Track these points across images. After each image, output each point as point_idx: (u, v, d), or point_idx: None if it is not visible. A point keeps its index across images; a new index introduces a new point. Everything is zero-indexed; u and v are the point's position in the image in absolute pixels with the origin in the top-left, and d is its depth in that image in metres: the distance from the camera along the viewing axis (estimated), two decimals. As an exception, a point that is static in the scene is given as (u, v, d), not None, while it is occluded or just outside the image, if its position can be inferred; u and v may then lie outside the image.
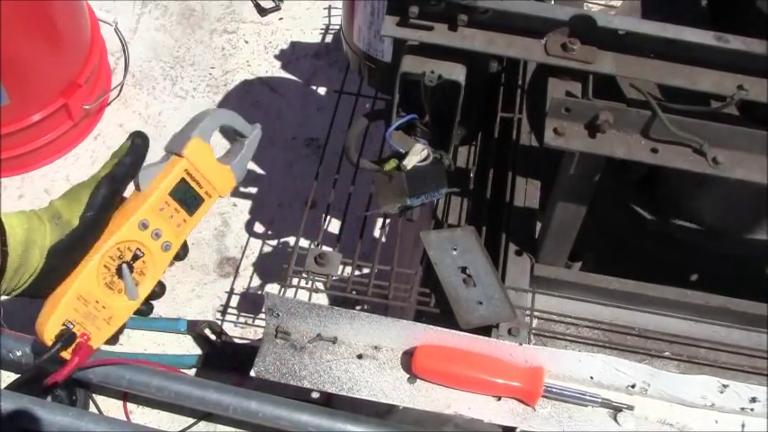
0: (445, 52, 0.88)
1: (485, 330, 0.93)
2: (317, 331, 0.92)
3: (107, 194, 0.75)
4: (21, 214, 0.74)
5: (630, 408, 0.88)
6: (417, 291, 1.00)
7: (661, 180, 1.05)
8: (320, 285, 1.04)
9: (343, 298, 1.09)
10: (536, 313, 0.98)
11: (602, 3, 1.41)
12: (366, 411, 1.17)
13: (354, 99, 1.32)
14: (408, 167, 0.93)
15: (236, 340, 1.61)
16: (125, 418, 1.46)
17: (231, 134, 0.81)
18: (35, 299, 0.76)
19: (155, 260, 0.77)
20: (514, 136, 1.15)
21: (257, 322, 1.67)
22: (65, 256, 0.75)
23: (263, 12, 2.29)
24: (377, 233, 1.72)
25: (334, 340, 0.92)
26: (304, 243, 1.05)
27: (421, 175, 0.94)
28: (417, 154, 0.93)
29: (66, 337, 0.72)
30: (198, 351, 1.58)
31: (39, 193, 1.81)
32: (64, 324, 0.72)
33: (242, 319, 1.66)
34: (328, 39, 2.19)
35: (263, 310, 0.92)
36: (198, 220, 0.79)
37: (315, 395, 1.37)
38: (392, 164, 0.95)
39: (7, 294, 0.75)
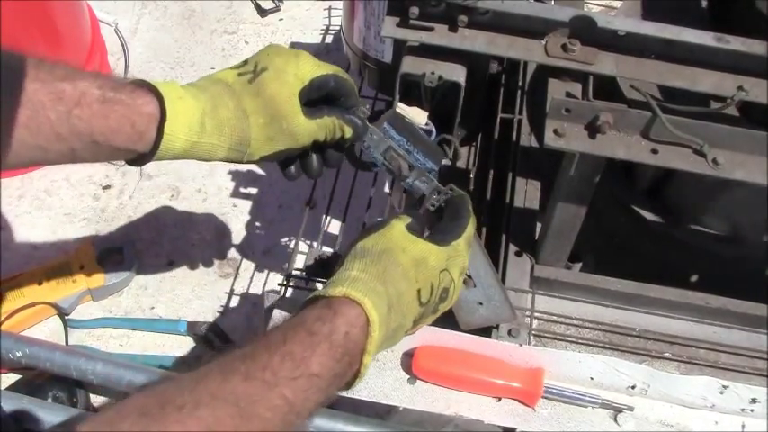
0: (445, 53, 0.88)
1: (485, 331, 0.93)
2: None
3: None
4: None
5: (630, 408, 0.88)
6: (417, 291, 1.00)
7: (669, 188, 1.05)
8: (320, 286, 1.04)
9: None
10: (536, 314, 0.98)
11: (603, 3, 1.41)
12: (366, 412, 1.17)
13: (354, 100, 1.32)
14: (400, 107, 0.91)
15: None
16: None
17: None
18: None
19: None
20: (514, 137, 1.15)
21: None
22: None
23: (263, 12, 2.29)
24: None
25: (334, 341, 0.92)
26: (304, 244, 1.05)
27: (415, 132, 0.89)
28: (416, 112, 0.91)
29: None
30: (198, 352, 1.58)
31: (39, 194, 1.81)
32: None
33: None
34: (328, 39, 2.19)
35: (264, 310, 0.92)
36: None
37: (315, 396, 1.36)
38: None
39: None
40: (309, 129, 0.78)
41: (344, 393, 0.88)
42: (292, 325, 0.59)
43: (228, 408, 0.50)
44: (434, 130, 0.93)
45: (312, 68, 0.80)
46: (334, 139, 0.81)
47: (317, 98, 0.80)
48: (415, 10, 0.84)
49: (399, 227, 0.71)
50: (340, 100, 0.82)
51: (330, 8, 2.19)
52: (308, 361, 0.56)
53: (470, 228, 0.77)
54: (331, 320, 0.59)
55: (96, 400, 1.46)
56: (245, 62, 0.79)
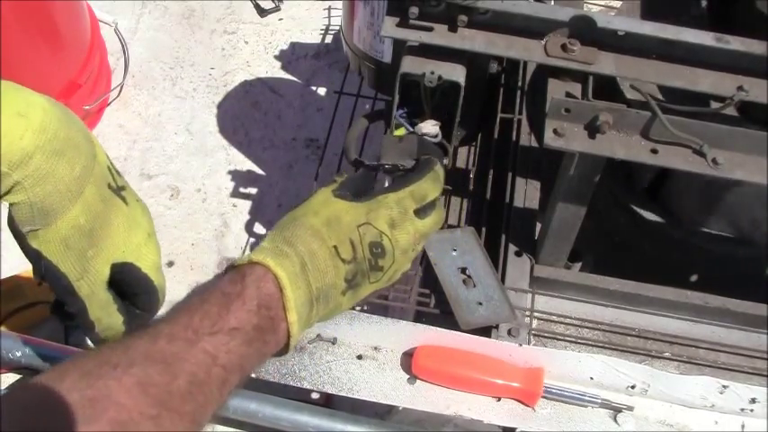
0: (445, 53, 0.88)
1: (484, 331, 0.93)
2: (316, 332, 0.92)
3: None
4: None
5: (630, 408, 0.88)
6: (417, 291, 1.01)
7: (669, 188, 1.05)
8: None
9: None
10: (536, 314, 0.98)
11: (602, 3, 1.41)
12: (366, 412, 1.17)
13: (354, 100, 1.32)
14: (422, 131, 0.92)
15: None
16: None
17: None
18: None
19: None
20: (514, 136, 1.15)
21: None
22: None
23: (262, 12, 2.30)
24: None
25: (333, 341, 0.92)
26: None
27: (428, 147, 0.91)
28: (431, 126, 0.93)
29: None
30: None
31: (38, 194, 1.81)
32: None
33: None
34: (328, 39, 2.19)
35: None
36: None
37: (315, 396, 1.36)
38: (402, 131, 0.94)
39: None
40: None
41: (347, 395, 0.88)
42: (208, 290, 0.63)
43: (157, 366, 0.55)
44: (441, 134, 0.94)
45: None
46: None
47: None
48: (414, 10, 0.84)
49: (323, 194, 0.73)
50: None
51: (330, 8, 2.20)
52: (225, 317, 0.60)
53: (416, 186, 0.74)
54: (241, 281, 0.63)
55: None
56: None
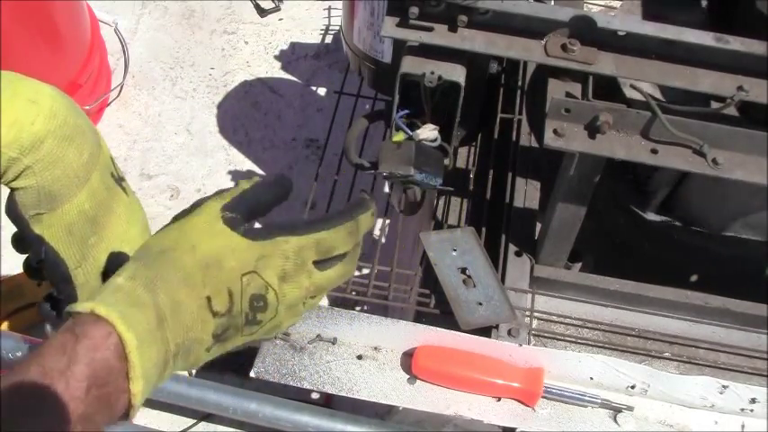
0: (445, 53, 0.88)
1: (485, 331, 0.93)
2: (316, 332, 0.92)
3: None
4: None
5: (630, 408, 0.88)
6: (417, 292, 1.00)
7: (656, 181, 1.05)
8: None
9: (342, 299, 1.09)
10: (536, 314, 0.98)
11: (602, 3, 1.41)
12: (366, 412, 1.17)
13: (354, 100, 1.32)
14: (420, 137, 0.93)
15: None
16: (125, 419, 1.45)
17: None
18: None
19: None
20: (514, 137, 1.15)
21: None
22: None
23: (262, 12, 2.30)
24: (377, 233, 1.72)
25: (333, 341, 0.92)
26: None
27: (426, 153, 0.93)
28: (429, 131, 0.93)
29: None
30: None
31: (38, 194, 1.81)
32: None
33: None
34: (328, 39, 2.19)
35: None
36: None
37: (315, 396, 1.36)
38: (401, 136, 0.94)
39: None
40: None
41: (347, 395, 0.88)
42: (29, 362, 0.50)
43: None
44: (440, 138, 0.94)
45: None
46: None
47: None
48: (414, 10, 0.84)
49: (207, 215, 0.60)
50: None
51: (330, 8, 2.20)
52: (38, 410, 0.48)
53: (326, 235, 0.62)
54: (72, 349, 0.50)
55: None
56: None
